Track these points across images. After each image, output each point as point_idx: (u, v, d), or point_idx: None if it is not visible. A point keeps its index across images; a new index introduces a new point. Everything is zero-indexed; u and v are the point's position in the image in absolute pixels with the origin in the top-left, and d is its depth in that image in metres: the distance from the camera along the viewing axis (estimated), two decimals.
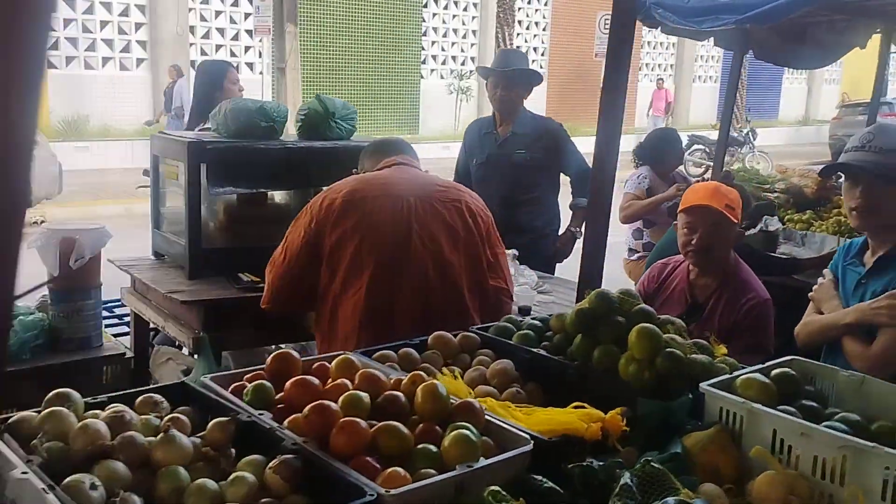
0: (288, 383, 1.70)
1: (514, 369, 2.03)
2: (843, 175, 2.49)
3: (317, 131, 3.56)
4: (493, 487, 1.41)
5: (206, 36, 18.60)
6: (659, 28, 5.40)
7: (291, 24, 14.38)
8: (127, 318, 3.87)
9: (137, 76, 17.63)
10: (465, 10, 22.61)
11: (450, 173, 4.63)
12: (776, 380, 1.80)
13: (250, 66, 18.77)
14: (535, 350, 2.10)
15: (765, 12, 4.45)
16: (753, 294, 2.91)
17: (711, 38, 5.77)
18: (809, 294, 2.65)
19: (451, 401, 1.67)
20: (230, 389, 1.77)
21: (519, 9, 22.11)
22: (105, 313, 4.08)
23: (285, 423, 1.60)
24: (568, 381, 1.97)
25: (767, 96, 28.25)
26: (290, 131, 3.77)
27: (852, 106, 19.74)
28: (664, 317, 2.05)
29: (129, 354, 3.17)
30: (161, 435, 1.46)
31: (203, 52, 18.23)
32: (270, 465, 1.44)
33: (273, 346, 3.34)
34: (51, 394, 1.56)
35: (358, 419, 1.54)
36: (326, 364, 1.87)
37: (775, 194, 5.42)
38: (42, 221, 10.30)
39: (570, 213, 4.58)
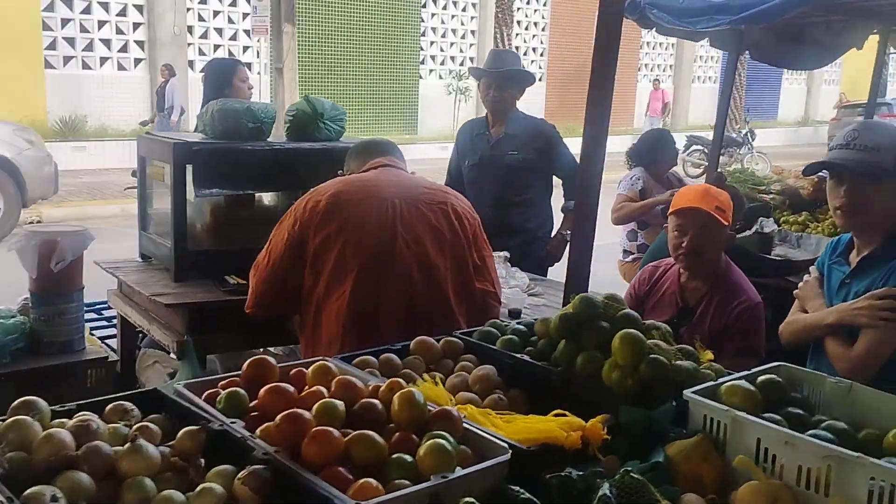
0: (262, 391, 1.65)
1: (496, 375, 1.99)
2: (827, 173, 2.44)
3: (305, 132, 3.52)
4: (468, 499, 1.37)
5: (204, 36, 18.59)
6: (654, 29, 5.37)
7: (289, 24, 14.38)
8: (115, 321, 3.84)
9: (135, 76, 17.62)
10: (463, 10, 22.59)
11: None
12: (761, 387, 1.76)
13: (248, 66, 18.71)
14: (518, 356, 2.05)
15: (759, 12, 4.40)
16: (745, 297, 2.88)
17: (707, 39, 5.73)
18: (795, 292, 2.61)
19: (430, 408, 1.63)
20: (204, 396, 1.73)
21: (518, 9, 22.10)
22: (93, 315, 4.07)
23: (258, 431, 1.56)
24: (552, 387, 1.92)
25: (766, 97, 28.24)
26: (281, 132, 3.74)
27: (850, 107, 19.75)
28: (649, 322, 2.01)
29: (114, 358, 3.14)
30: (128, 444, 1.42)
31: (201, 53, 18.23)
32: (239, 475, 1.40)
33: (261, 350, 3.30)
34: (16, 402, 1.52)
35: (331, 428, 1.50)
36: (304, 370, 1.83)
37: (771, 196, 5.38)
38: (38, 221, 10.27)
39: (562, 215, 4.54)
